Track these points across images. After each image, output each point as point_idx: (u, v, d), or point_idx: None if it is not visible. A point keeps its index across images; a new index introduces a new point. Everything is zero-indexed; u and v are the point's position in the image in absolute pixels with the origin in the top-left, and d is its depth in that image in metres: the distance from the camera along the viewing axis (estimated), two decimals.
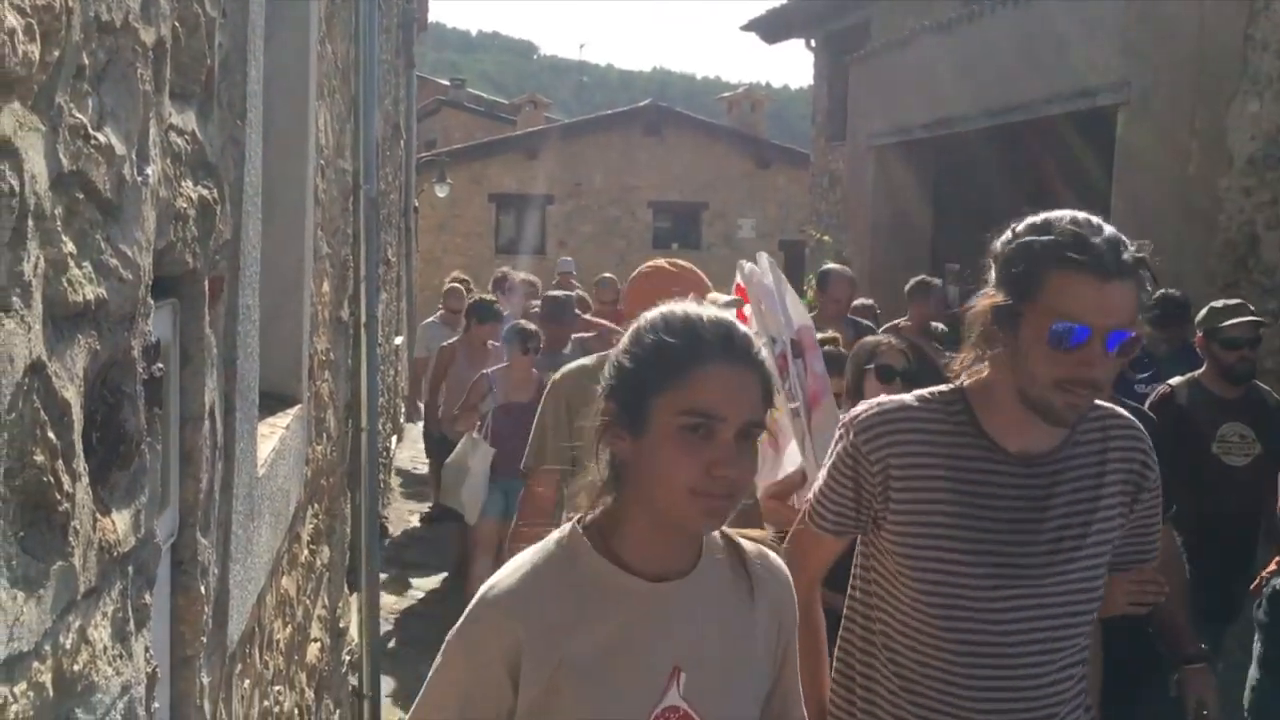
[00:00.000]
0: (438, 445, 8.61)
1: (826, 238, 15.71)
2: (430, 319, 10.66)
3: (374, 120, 5.62)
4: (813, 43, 17.60)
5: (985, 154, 11.20)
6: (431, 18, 20.29)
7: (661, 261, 4.21)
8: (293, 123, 3.53)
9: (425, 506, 10.19)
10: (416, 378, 10.66)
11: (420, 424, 11.12)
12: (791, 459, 4.27)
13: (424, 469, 11.16)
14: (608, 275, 11.18)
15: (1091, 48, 8.95)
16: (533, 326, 7.00)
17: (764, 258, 4.77)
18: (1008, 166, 11.01)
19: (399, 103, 11.97)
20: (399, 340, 13.18)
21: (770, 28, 18.45)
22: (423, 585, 8.34)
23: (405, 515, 10.37)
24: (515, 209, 24.95)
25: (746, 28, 18.87)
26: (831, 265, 8.51)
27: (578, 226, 24.81)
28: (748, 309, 4.51)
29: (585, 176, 24.77)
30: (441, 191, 21.57)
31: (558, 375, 3.74)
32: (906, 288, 7.95)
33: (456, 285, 11.01)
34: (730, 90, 32.11)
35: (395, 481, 11.45)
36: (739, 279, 4.78)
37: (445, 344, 8.66)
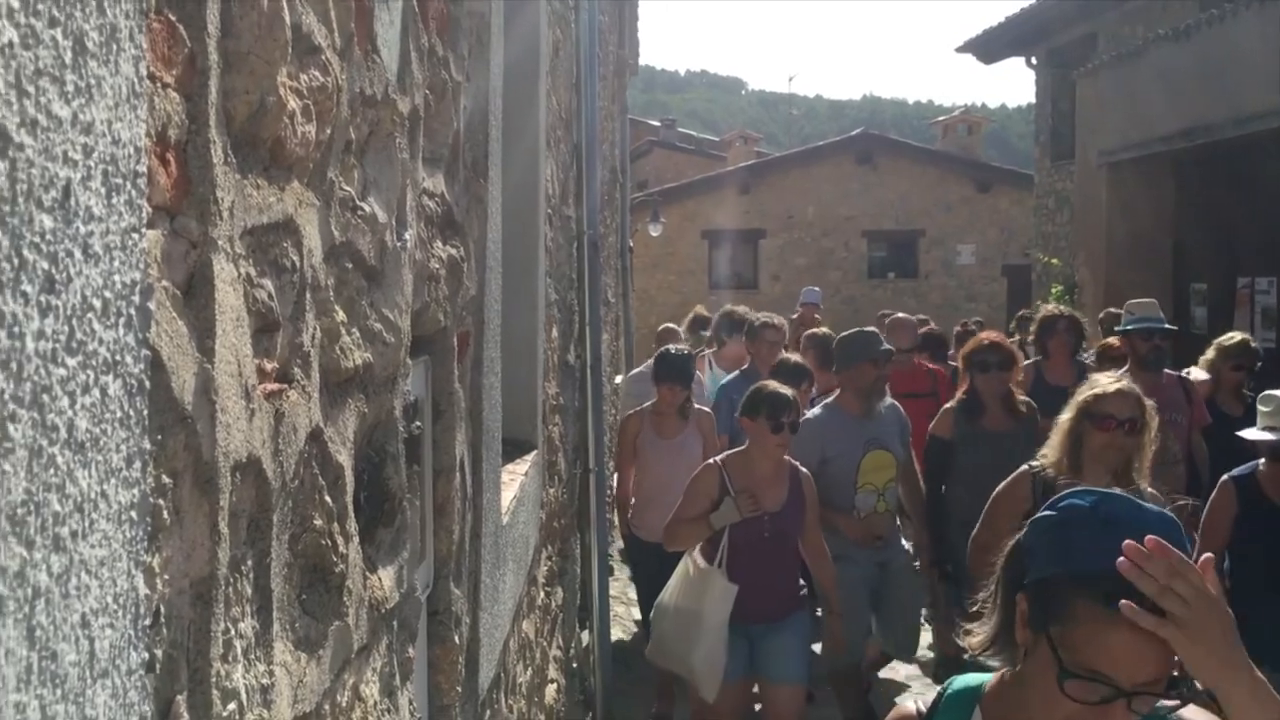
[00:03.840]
0: (638, 551, 6.04)
1: (1055, 261, 15.01)
2: (638, 369, 8.08)
3: (596, 166, 5.74)
4: (1034, 60, 16.95)
5: (1234, 166, 10.45)
6: (641, 61, 20.72)
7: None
8: (525, 175, 3.62)
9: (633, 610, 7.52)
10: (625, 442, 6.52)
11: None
12: None
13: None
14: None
15: None
16: (786, 391, 4.45)
17: None
18: (1260, 178, 10.23)
19: (615, 147, 12.23)
20: (619, 379, 13.41)
21: (988, 48, 17.89)
22: None
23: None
24: (728, 244, 25.05)
25: (962, 49, 18.37)
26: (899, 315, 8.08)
27: (791, 259, 24.64)
28: None
29: (797, 209, 24.61)
30: (655, 231, 21.87)
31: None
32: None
33: (672, 325, 9.63)
34: (944, 114, 31.29)
35: (617, 519, 9.63)
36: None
37: (631, 412, 6.18)
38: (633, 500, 5.98)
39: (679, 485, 4.64)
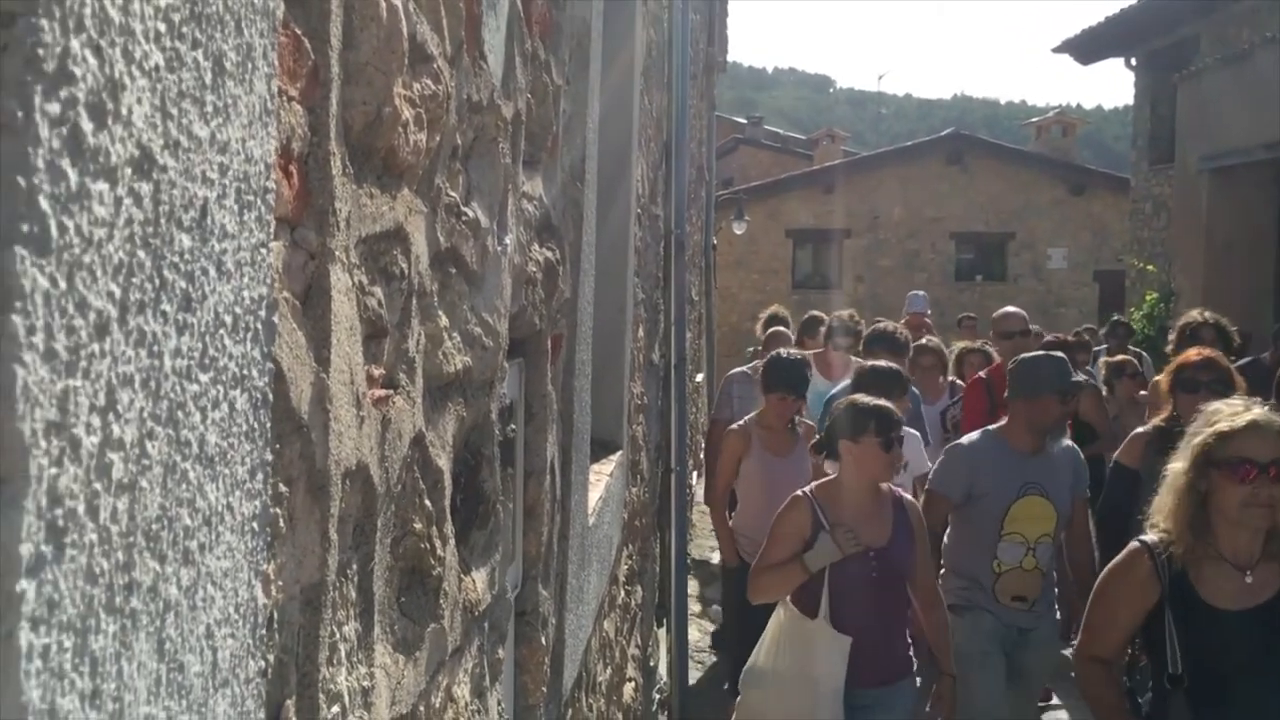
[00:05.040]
0: (736, 582, 5.03)
1: (1151, 267, 14.62)
2: (740, 368, 7.24)
3: (684, 165, 5.73)
4: (1133, 61, 16.51)
5: None
6: (729, 58, 20.65)
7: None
8: (617, 177, 3.63)
9: (709, 628, 7.39)
10: (714, 446, 6.11)
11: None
12: None
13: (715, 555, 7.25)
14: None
15: None
16: (890, 409, 3.80)
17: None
18: None
19: (702, 144, 12.21)
20: (700, 378, 13.38)
21: (1086, 48, 17.47)
22: None
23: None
24: (812, 244, 24.86)
25: (1059, 49, 17.96)
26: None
27: (875, 260, 24.36)
28: None
29: (883, 209, 24.32)
30: (739, 228, 21.79)
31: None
32: None
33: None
34: (1037, 115, 30.68)
35: (697, 516, 8.86)
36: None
37: (734, 426, 5.47)
38: (731, 524, 5.38)
39: None
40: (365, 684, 1.13)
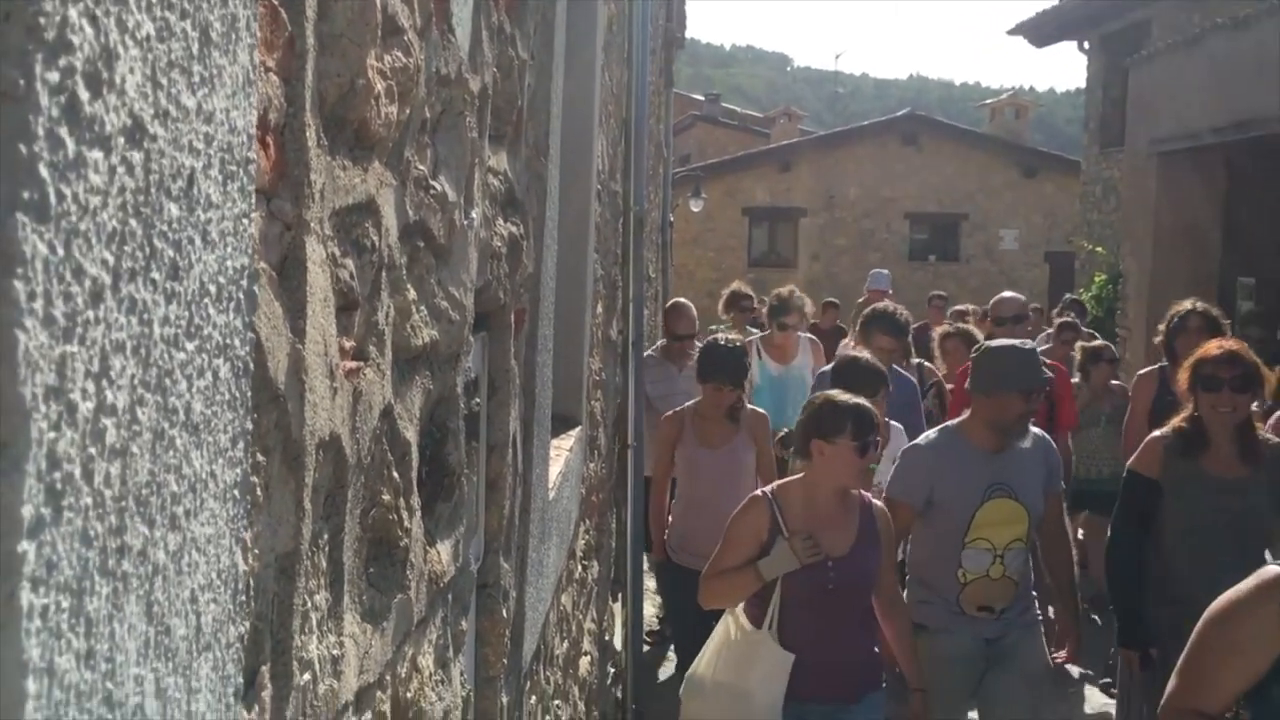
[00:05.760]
0: (676, 584, 4.88)
1: (1100, 249, 14.84)
2: (648, 351, 6.67)
3: (644, 142, 5.73)
4: (1086, 45, 16.70)
5: None
6: (687, 34, 20.62)
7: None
8: (579, 152, 3.63)
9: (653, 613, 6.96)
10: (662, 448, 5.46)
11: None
12: None
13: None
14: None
15: None
16: (867, 404, 3.53)
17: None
18: None
19: (659, 121, 12.19)
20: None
21: (1040, 31, 17.64)
22: None
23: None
24: (768, 222, 24.96)
25: (1014, 31, 18.12)
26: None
27: (831, 239, 24.51)
28: None
29: (839, 189, 24.46)
30: (696, 206, 21.82)
31: None
32: None
33: (683, 301, 7.10)
34: (991, 96, 30.94)
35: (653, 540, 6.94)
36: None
37: (670, 413, 5.16)
38: (669, 518, 5.08)
39: (727, 503, 3.83)
40: (335, 652, 1.14)
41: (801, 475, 3.51)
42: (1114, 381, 7.06)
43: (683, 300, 7.15)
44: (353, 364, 1.16)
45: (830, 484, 3.44)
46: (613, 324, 5.69)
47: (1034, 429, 4.05)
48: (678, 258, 21.50)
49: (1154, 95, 12.23)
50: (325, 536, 1.10)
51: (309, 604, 1.05)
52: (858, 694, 3.47)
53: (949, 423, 4.15)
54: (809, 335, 7.47)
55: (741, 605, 3.50)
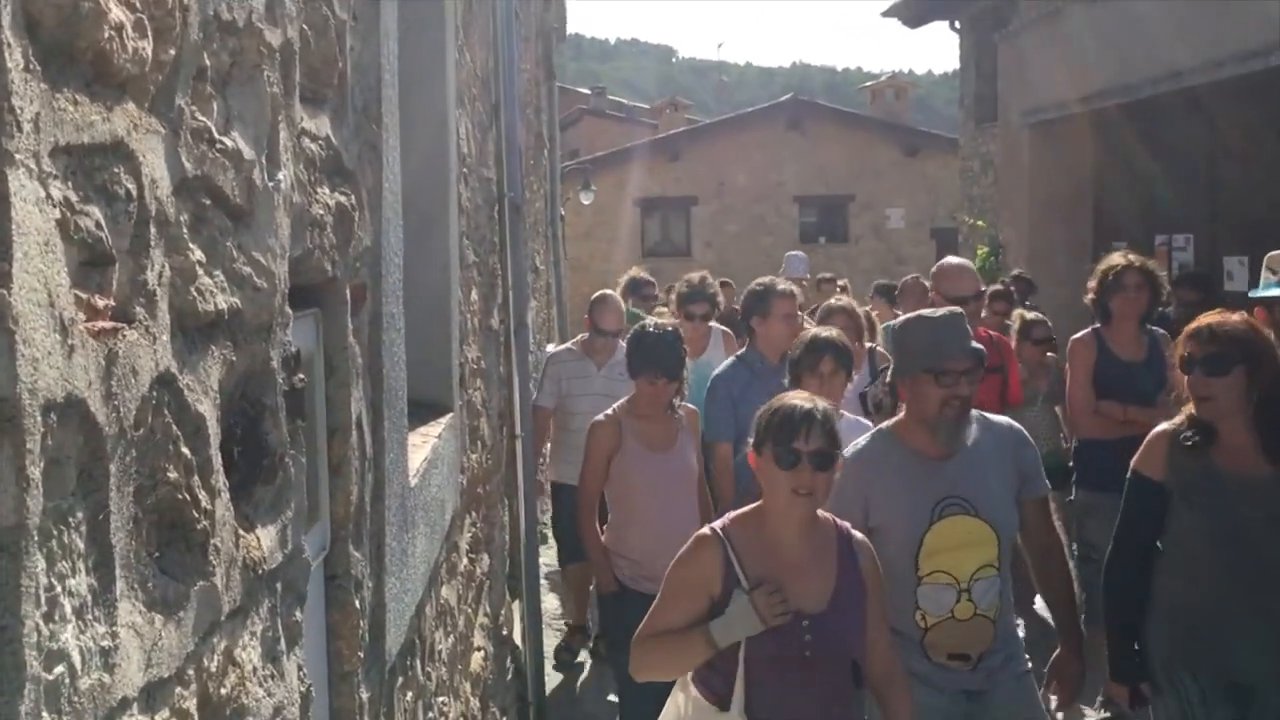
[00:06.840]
0: (633, 611, 3.36)
1: (980, 223, 15.18)
2: (565, 345, 6.76)
3: (516, 126, 5.61)
4: (957, 24, 17.04)
5: (1151, 125, 10.58)
6: (570, 29, 20.50)
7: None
8: (433, 130, 3.51)
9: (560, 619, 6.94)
10: (540, 432, 6.13)
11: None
12: None
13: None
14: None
15: (1260, 2, 8.32)
16: (809, 402, 2.77)
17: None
18: (1175, 137, 10.38)
19: (541, 112, 12.08)
20: (550, 347, 13.31)
21: (912, 12, 17.96)
22: None
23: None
24: (660, 212, 25.00)
25: (887, 14, 18.42)
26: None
27: (723, 226, 24.65)
28: None
29: (728, 176, 24.61)
30: (587, 199, 21.74)
31: None
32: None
33: (610, 294, 6.66)
34: (872, 80, 31.48)
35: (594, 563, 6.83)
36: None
37: (601, 417, 4.50)
38: (608, 541, 4.45)
39: (686, 512, 3.34)
40: (105, 644, 1.03)
41: (758, 504, 2.77)
42: (1049, 354, 6.46)
43: (610, 293, 6.65)
44: (108, 324, 1.04)
45: (791, 511, 2.68)
46: (494, 313, 5.57)
47: (998, 418, 3.40)
48: (572, 252, 21.42)
49: (1022, 69, 12.53)
50: (80, 514, 0.99)
51: (59, 589, 0.94)
52: None
53: (884, 424, 3.39)
54: (722, 327, 6.87)
55: (693, 677, 2.76)
